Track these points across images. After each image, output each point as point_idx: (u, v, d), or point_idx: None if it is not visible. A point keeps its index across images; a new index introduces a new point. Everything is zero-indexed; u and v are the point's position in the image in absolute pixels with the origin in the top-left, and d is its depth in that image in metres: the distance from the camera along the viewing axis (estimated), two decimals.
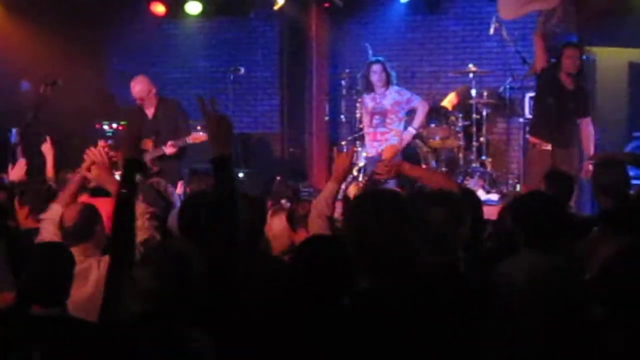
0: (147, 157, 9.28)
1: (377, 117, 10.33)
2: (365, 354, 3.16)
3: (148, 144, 9.46)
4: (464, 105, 11.94)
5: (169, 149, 9.30)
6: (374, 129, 10.37)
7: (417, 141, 11.15)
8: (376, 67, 10.35)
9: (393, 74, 10.40)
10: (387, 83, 10.31)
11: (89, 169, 5.15)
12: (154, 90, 9.62)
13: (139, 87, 9.59)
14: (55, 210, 5.29)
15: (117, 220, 3.91)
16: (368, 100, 10.46)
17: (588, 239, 4.80)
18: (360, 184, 7.52)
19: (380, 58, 10.60)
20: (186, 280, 3.37)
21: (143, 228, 4.97)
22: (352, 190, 6.92)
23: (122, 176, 4.03)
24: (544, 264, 4.37)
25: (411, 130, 10.40)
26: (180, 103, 9.81)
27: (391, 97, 10.30)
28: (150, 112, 9.66)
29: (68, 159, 8.22)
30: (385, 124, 10.29)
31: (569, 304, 4.08)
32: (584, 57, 11.84)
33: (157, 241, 5.02)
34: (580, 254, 4.77)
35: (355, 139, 11.53)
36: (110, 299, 3.71)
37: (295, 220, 5.69)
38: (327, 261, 3.45)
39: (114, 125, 12.54)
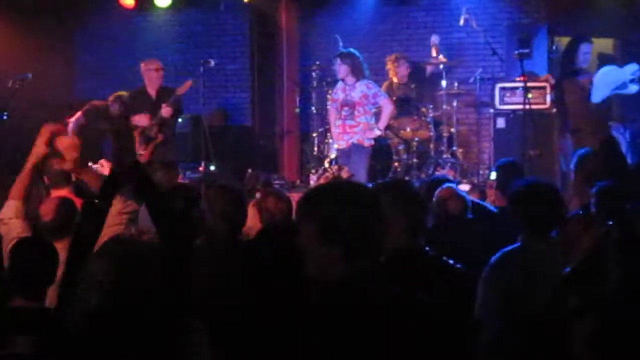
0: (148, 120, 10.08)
1: (346, 108, 10.26)
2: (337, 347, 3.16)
3: (145, 119, 10.11)
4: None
5: (165, 111, 10.03)
6: (342, 121, 10.30)
7: (388, 132, 11.15)
8: (335, 61, 10.36)
9: (364, 66, 10.30)
10: (353, 75, 10.22)
11: (47, 143, 5.04)
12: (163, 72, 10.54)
13: (157, 63, 10.57)
14: (12, 207, 5.19)
15: (83, 228, 3.88)
16: (339, 91, 10.38)
17: (571, 226, 4.79)
18: (329, 177, 7.47)
19: (343, 50, 10.55)
20: (142, 273, 3.37)
21: (116, 225, 4.89)
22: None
23: (101, 187, 4.00)
24: (544, 252, 4.41)
25: (376, 132, 10.31)
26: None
27: (360, 89, 10.20)
28: (153, 91, 10.42)
29: None
30: (354, 116, 10.21)
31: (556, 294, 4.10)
32: (553, 47, 11.97)
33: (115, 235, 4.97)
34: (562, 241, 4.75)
35: (326, 131, 11.52)
36: (66, 297, 3.70)
37: (262, 213, 5.68)
38: (284, 251, 3.48)
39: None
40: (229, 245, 4.58)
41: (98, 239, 3.90)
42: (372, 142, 10.24)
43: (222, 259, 4.03)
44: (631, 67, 9.63)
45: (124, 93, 10.55)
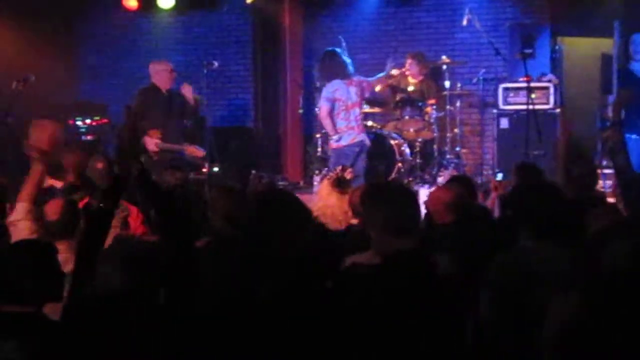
0: (155, 147, 10.01)
1: None
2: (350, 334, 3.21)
3: (155, 133, 10.06)
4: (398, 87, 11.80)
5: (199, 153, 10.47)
6: None
7: (392, 133, 11.15)
8: None
9: (336, 65, 10.14)
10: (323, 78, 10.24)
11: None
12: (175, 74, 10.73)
13: (169, 65, 10.78)
14: (21, 209, 5.18)
15: (89, 231, 3.87)
16: None
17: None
18: (332, 177, 7.46)
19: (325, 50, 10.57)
20: (148, 274, 3.39)
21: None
22: (326, 185, 6.88)
23: (107, 190, 3.99)
24: (546, 253, 4.40)
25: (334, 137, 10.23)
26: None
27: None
28: (163, 86, 10.53)
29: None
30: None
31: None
32: (556, 47, 11.97)
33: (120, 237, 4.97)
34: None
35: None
36: (77, 303, 3.68)
37: None
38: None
39: (87, 121, 12.49)
40: (232, 246, 4.58)
41: (105, 242, 3.90)
42: (339, 144, 10.08)
43: (225, 260, 4.04)
44: None
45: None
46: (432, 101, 11.56)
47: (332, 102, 9.86)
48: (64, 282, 3.95)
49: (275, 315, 3.34)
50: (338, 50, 10.29)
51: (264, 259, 3.62)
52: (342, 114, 9.88)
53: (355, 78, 10.14)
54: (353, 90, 10.01)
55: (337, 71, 9.99)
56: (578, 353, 2.92)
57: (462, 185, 6.42)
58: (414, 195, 4.22)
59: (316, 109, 10.37)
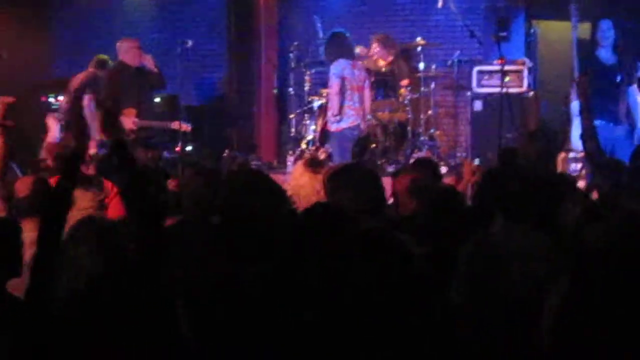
0: (132, 125, 9.85)
1: None
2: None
3: (131, 112, 9.95)
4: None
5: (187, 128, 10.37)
6: None
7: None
8: None
9: (338, 45, 10.17)
10: (330, 57, 10.20)
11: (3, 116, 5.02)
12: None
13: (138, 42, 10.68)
14: None
15: (52, 209, 3.82)
16: None
17: None
18: (307, 157, 7.44)
19: (332, 31, 10.54)
20: (116, 255, 3.38)
21: (86, 209, 4.81)
22: (299, 165, 6.84)
23: (64, 167, 3.94)
24: (519, 237, 4.41)
25: (331, 118, 10.22)
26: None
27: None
28: (133, 63, 10.41)
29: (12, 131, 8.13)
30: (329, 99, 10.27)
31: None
32: (531, 30, 11.98)
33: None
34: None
35: (303, 112, 11.50)
36: (40, 284, 3.64)
37: None
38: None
39: (60, 98, 12.40)
40: (199, 228, 4.57)
41: (65, 221, 3.85)
42: (340, 126, 10.04)
43: (192, 241, 4.04)
44: None
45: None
46: (405, 82, 11.55)
47: (342, 79, 9.87)
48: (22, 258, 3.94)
49: (255, 300, 3.36)
50: (344, 31, 10.30)
51: (239, 241, 3.63)
52: (349, 93, 9.90)
53: (359, 62, 10.18)
54: (357, 72, 10.01)
55: (344, 52, 10.01)
56: (575, 338, 2.93)
57: (425, 168, 6.39)
58: (378, 178, 4.30)
59: (289, 85, 10.30)
